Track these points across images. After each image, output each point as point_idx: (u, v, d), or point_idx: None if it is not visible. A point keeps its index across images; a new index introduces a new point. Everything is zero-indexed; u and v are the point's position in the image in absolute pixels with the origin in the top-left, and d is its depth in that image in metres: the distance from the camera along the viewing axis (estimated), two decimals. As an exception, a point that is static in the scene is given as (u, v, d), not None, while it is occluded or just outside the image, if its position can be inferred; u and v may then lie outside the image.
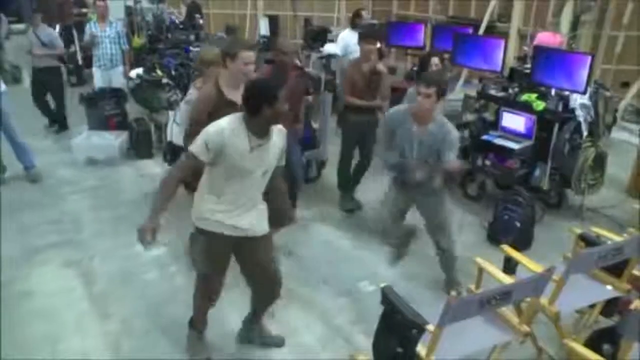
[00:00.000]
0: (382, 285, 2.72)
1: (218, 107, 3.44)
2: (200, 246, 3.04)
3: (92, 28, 7.02)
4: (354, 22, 7.39)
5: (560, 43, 7.43)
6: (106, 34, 7.01)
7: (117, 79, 7.17)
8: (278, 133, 2.97)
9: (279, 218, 3.36)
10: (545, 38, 7.48)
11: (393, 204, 3.96)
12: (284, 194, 3.43)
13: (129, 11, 9.56)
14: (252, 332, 3.51)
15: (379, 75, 4.93)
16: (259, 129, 2.83)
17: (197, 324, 3.39)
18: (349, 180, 5.28)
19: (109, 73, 7.11)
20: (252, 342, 3.50)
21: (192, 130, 3.43)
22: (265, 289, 3.29)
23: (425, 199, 3.84)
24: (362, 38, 4.96)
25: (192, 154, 2.79)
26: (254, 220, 3.03)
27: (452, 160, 3.54)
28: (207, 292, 3.26)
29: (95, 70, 7.19)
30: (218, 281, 3.23)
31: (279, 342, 3.51)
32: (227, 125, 2.80)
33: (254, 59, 3.56)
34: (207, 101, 3.59)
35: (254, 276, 3.25)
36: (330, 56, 7.95)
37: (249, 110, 2.80)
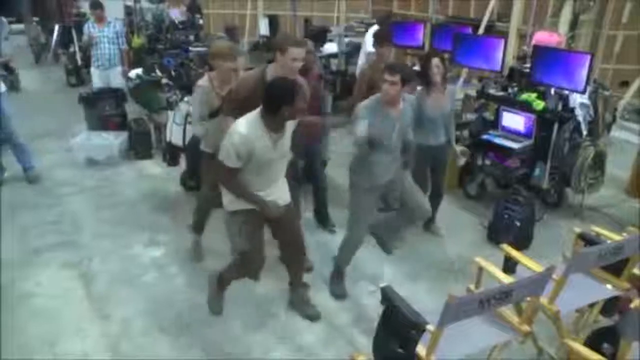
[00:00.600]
0: (382, 285, 2.72)
1: (257, 92, 3.46)
2: (237, 226, 3.32)
3: (90, 28, 7.03)
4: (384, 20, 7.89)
5: (558, 42, 7.43)
6: (104, 33, 7.01)
7: (116, 79, 7.17)
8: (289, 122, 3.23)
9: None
10: (542, 37, 7.49)
11: (365, 213, 3.88)
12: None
13: (128, 11, 9.58)
14: (294, 299, 3.81)
15: None
16: (277, 126, 3.10)
17: (225, 286, 3.65)
18: None
19: (107, 73, 7.11)
20: (294, 308, 3.79)
21: (226, 107, 3.81)
22: (295, 253, 3.68)
23: (391, 183, 3.89)
24: (378, 40, 4.94)
25: (227, 167, 3.07)
26: (279, 194, 3.36)
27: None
28: (248, 270, 3.51)
29: (93, 71, 7.20)
30: (259, 257, 3.45)
31: (313, 315, 3.72)
32: (247, 131, 3.02)
33: (303, 55, 3.64)
34: (251, 83, 3.66)
35: (286, 241, 3.61)
36: (330, 56, 7.98)
37: (269, 109, 3.03)
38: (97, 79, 7.19)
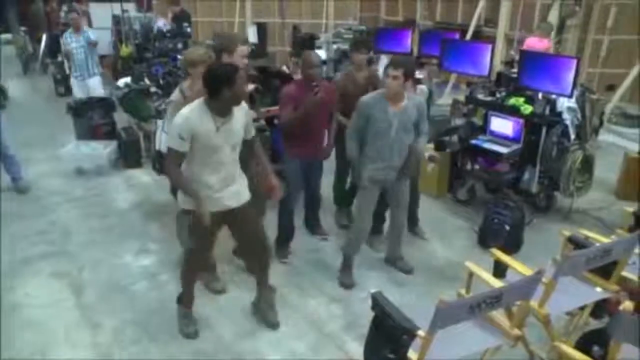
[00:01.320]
0: (373, 291, 2.72)
1: None
2: (187, 224, 3.35)
3: (68, 38, 7.05)
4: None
5: (547, 47, 7.51)
6: (80, 43, 7.03)
7: (96, 89, 7.21)
8: (239, 109, 3.23)
9: (262, 182, 3.62)
10: (532, 43, 7.57)
11: (369, 205, 4.07)
12: (264, 159, 3.61)
13: (116, 20, 9.54)
14: (257, 301, 3.79)
15: (376, 80, 4.78)
16: (221, 110, 3.11)
17: (187, 301, 3.62)
18: (344, 196, 5.13)
19: (86, 83, 7.16)
20: (256, 311, 3.78)
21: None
22: (257, 254, 3.63)
23: (397, 185, 4.04)
24: (354, 47, 4.85)
25: (173, 150, 3.10)
26: (234, 192, 3.33)
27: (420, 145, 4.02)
28: (196, 267, 3.58)
29: (73, 81, 7.24)
30: (206, 256, 3.59)
31: (272, 322, 3.69)
32: (190, 113, 3.08)
33: (247, 52, 3.96)
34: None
35: (245, 243, 3.64)
36: (318, 63, 7.99)
37: (210, 93, 3.08)
38: (77, 89, 7.21)
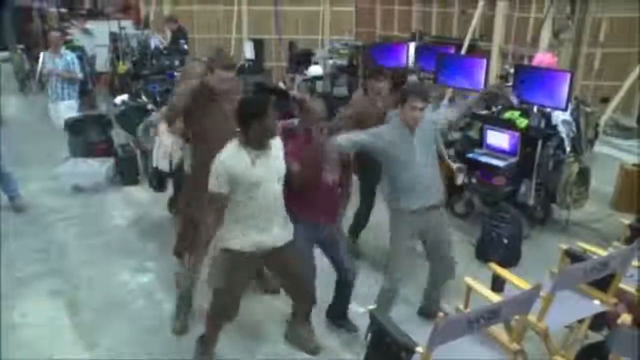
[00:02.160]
0: (371, 307, 2.72)
1: (200, 98, 3.65)
2: (223, 264, 3.20)
3: (46, 57, 6.79)
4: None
5: (550, 63, 7.59)
6: (56, 65, 6.80)
7: (69, 112, 6.95)
8: (276, 143, 3.19)
9: None
10: (543, 58, 7.62)
11: (405, 243, 3.61)
12: None
13: (113, 37, 9.60)
14: (291, 334, 3.71)
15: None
16: (254, 142, 3.05)
17: (210, 343, 3.44)
18: (359, 230, 4.89)
19: (57, 105, 6.96)
20: (292, 342, 3.69)
21: (167, 114, 3.76)
22: (300, 294, 3.53)
23: (435, 229, 3.66)
24: (371, 75, 4.58)
25: (214, 194, 3.05)
26: (277, 231, 3.22)
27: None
28: (224, 314, 3.37)
29: (49, 105, 7.03)
30: (233, 307, 3.34)
31: (315, 350, 3.62)
32: (225, 155, 3.04)
33: (229, 76, 3.65)
34: (191, 91, 3.70)
35: (288, 283, 3.52)
36: (315, 78, 8.04)
37: (241, 126, 3.04)
38: (52, 112, 7.04)
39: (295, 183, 3.38)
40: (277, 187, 3.18)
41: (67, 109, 7.03)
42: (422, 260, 4.05)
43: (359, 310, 4.00)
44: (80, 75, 7.16)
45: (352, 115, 4.50)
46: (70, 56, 7.00)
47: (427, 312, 3.95)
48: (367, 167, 4.29)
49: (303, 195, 3.45)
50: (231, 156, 3.04)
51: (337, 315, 3.90)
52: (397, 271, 3.60)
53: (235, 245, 3.14)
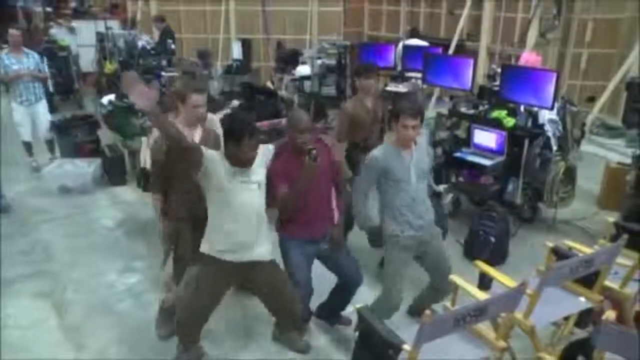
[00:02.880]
0: (359, 306, 2.72)
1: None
2: (196, 272, 3.16)
3: (5, 60, 6.34)
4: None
5: (535, 61, 7.65)
6: (24, 65, 6.44)
7: (44, 114, 6.76)
8: (260, 157, 3.15)
9: None
10: (529, 57, 7.69)
11: (401, 274, 3.50)
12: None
13: (100, 37, 9.54)
14: (281, 334, 3.66)
15: (383, 105, 4.77)
16: (233, 160, 3.03)
17: (187, 348, 3.37)
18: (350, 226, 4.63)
19: (33, 109, 6.62)
20: (280, 342, 3.66)
21: (153, 170, 3.64)
22: (283, 310, 3.44)
23: (431, 245, 3.56)
24: (361, 72, 4.65)
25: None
26: (256, 247, 3.17)
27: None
28: (181, 327, 3.31)
29: (16, 107, 6.57)
30: (200, 319, 3.30)
31: (305, 348, 3.59)
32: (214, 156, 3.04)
33: (203, 101, 3.52)
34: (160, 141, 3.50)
35: (267, 301, 3.42)
36: (303, 78, 8.06)
37: (225, 145, 3.06)
38: (21, 117, 6.58)
39: (287, 204, 3.31)
40: (252, 207, 3.11)
41: (45, 110, 6.83)
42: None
43: (347, 309, 4.01)
44: (47, 75, 7.01)
45: (344, 121, 4.54)
46: (36, 56, 6.68)
47: (416, 312, 3.89)
48: (359, 168, 4.23)
49: (296, 213, 3.36)
50: (214, 159, 3.03)
51: (331, 315, 3.84)
52: (394, 291, 3.48)
53: (212, 251, 3.12)
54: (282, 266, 3.45)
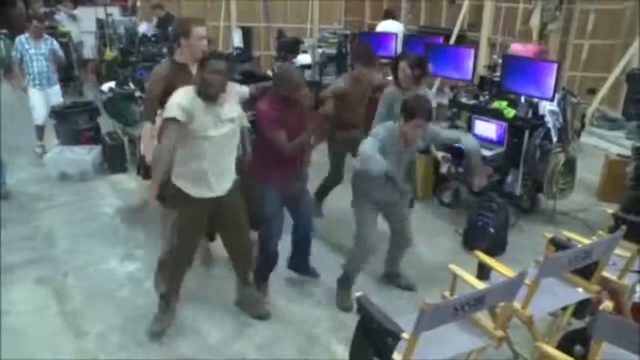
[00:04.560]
0: (357, 294, 2.74)
1: (173, 77, 3.61)
2: (176, 215, 3.37)
3: (25, 44, 6.63)
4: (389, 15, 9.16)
5: (534, 52, 7.63)
6: (41, 51, 6.70)
7: (56, 98, 6.93)
8: (232, 96, 3.36)
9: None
10: (517, 48, 7.68)
11: (372, 219, 3.83)
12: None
13: (100, 24, 9.50)
14: (240, 298, 3.86)
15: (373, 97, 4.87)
16: (207, 96, 3.16)
17: (171, 301, 3.63)
18: (326, 194, 5.25)
19: (47, 92, 6.84)
20: (242, 308, 3.84)
21: (147, 100, 3.81)
22: (241, 248, 3.69)
23: (398, 203, 3.92)
24: (358, 59, 4.85)
25: (172, 118, 3.10)
26: (224, 183, 3.39)
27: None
28: (180, 267, 3.54)
29: (32, 91, 6.79)
30: (191, 255, 3.56)
31: (262, 315, 3.79)
32: (184, 93, 3.17)
33: (205, 33, 3.72)
34: (162, 72, 3.74)
35: (229, 236, 3.63)
36: (303, 67, 8.03)
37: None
38: (36, 100, 6.79)
39: (290, 152, 3.57)
40: (230, 142, 3.35)
41: (58, 93, 7.02)
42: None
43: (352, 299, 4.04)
44: (63, 56, 7.18)
45: (335, 91, 4.75)
46: (54, 42, 6.98)
47: (388, 275, 4.29)
48: (339, 139, 4.80)
49: (274, 158, 3.59)
50: (191, 98, 3.15)
51: (299, 266, 4.20)
52: (365, 234, 3.81)
53: (184, 188, 3.31)
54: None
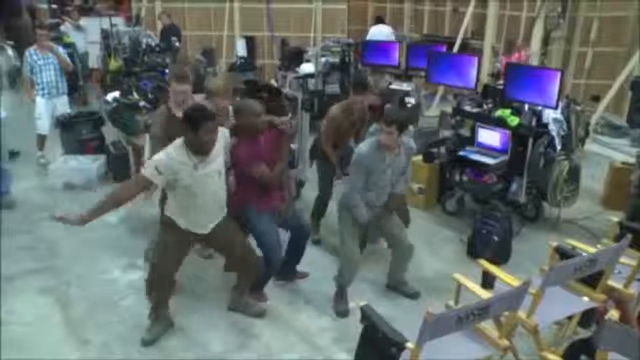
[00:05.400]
0: (361, 304, 2.73)
1: (168, 122, 4.06)
2: (161, 232, 3.51)
3: (34, 55, 6.66)
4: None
5: (517, 58, 7.65)
6: (50, 60, 6.73)
7: (62, 108, 6.95)
8: (219, 140, 3.39)
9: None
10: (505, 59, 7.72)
11: (354, 231, 3.95)
12: None
13: (104, 34, 9.55)
14: (234, 303, 3.94)
15: (365, 118, 4.96)
16: (195, 149, 3.25)
17: (158, 310, 3.68)
18: (322, 214, 5.12)
19: (54, 102, 6.85)
20: (237, 311, 3.91)
21: (151, 143, 4.11)
22: (241, 268, 3.80)
23: (384, 214, 4.02)
24: (353, 87, 4.93)
25: (145, 178, 3.20)
26: (212, 224, 3.51)
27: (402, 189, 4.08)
28: (160, 284, 3.61)
29: (39, 100, 6.80)
30: (172, 277, 3.59)
31: (259, 313, 3.89)
32: (173, 151, 3.24)
33: (183, 89, 4.13)
34: (160, 120, 4.18)
35: (229, 257, 3.80)
36: (307, 76, 8.05)
37: (186, 134, 3.24)
38: (43, 109, 6.79)
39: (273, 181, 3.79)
40: (217, 183, 3.44)
41: (65, 103, 7.04)
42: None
43: (349, 307, 4.02)
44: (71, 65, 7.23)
45: (328, 127, 4.76)
46: (60, 49, 7.04)
47: (392, 286, 4.31)
48: (327, 161, 4.83)
49: (256, 187, 3.76)
50: (178, 155, 3.23)
51: (288, 270, 4.26)
52: (348, 251, 3.94)
53: (172, 217, 3.43)
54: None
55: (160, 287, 3.60)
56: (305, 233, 4.17)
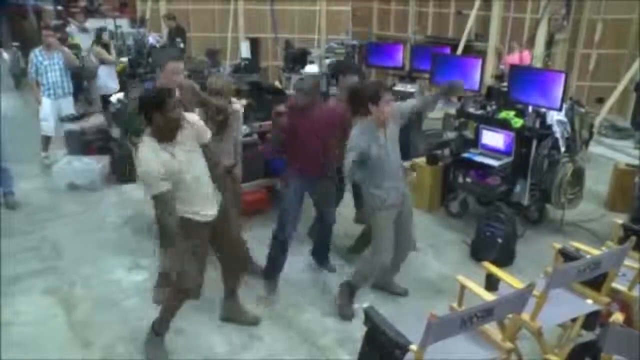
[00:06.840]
0: (365, 306, 2.73)
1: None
2: (180, 232, 3.19)
3: (39, 56, 6.70)
4: None
5: (528, 58, 7.63)
6: (55, 60, 6.76)
7: (67, 109, 7.00)
8: (186, 127, 3.17)
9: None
10: (511, 60, 7.71)
11: (389, 233, 3.85)
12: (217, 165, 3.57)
13: (110, 35, 9.56)
14: (227, 312, 3.86)
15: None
16: (162, 137, 3.07)
17: (162, 328, 3.50)
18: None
19: (59, 102, 6.89)
20: (232, 321, 3.83)
21: None
22: (232, 263, 3.70)
23: (405, 204, 3.99)
24: (341, 73, 4.92)
25: (159, 195, 3.05)
26: (209, 205, 3.35)
27: None
28: (186, 291, 3.36)
29: (45, 100, 6.84)
30: (199, 277, 3.37)
31: (255, 321, 3.83)
32: (149, 152, 3.04)
33: (180, 69, 4.02)
34: None
35: (223, 248, 3.61)
36: (311, 77, 8.03)
37: (148, 122, 3.05)
38: (49, 110, 6.85)
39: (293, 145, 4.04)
40: (200, 167, 3.27)
41: (70, 104, 7.07)
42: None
43: (353, 309, 4.02)
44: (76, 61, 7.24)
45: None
46: (65, 50, 7.04)
47: (381, 285, 4.27)
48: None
49: (298, 154, 4.05)
50: (155, 152, 3.04)
51: (319, 257, 4.58)
52: (383, 247, 3.84)
53: (187, 214, 3.25)
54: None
55: (184, 297, 3.41)
56: (332, 219, 4.38)
